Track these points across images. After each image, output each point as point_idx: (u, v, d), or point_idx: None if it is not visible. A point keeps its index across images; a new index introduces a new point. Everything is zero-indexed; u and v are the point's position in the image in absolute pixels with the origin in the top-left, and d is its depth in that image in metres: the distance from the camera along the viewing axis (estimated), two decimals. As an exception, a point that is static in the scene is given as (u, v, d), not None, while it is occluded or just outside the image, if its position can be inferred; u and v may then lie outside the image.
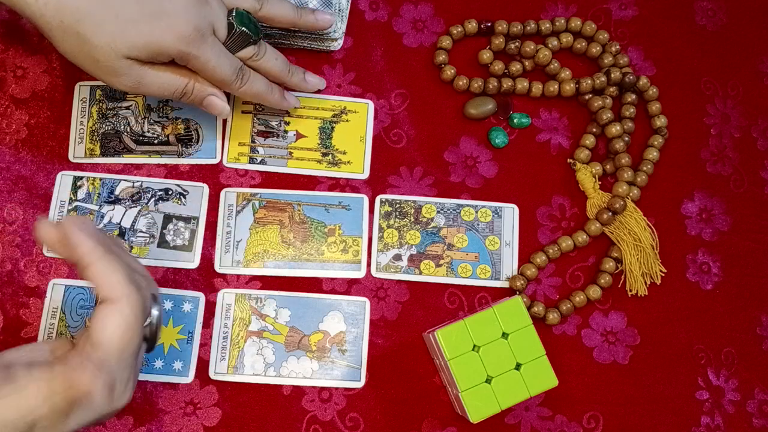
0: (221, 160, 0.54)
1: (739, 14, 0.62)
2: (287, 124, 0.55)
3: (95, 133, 0.54)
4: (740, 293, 0.56)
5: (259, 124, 0.55)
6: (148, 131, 0.54)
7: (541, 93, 0.57)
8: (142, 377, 0.49)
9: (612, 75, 0.56)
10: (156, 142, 0.54)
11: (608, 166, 0.56)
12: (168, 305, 0.51)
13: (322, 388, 0.51)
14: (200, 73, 0.46)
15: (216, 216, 0.53)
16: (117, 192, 0.53)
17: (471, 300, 0.53)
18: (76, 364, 0.35)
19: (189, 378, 0.50)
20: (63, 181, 0.52)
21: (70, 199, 0.52)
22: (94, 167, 0.53)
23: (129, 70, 0.44)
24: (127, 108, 0.54)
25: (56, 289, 0.50)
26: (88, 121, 0.54)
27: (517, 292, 0.53)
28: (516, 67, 0.57)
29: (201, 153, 0.54)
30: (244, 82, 0.48)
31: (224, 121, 0.55)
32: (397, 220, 0.54)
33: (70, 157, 0.53)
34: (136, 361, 0.38)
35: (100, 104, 0.54)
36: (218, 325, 0.51)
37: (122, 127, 0.54)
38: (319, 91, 0.56)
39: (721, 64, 0.60)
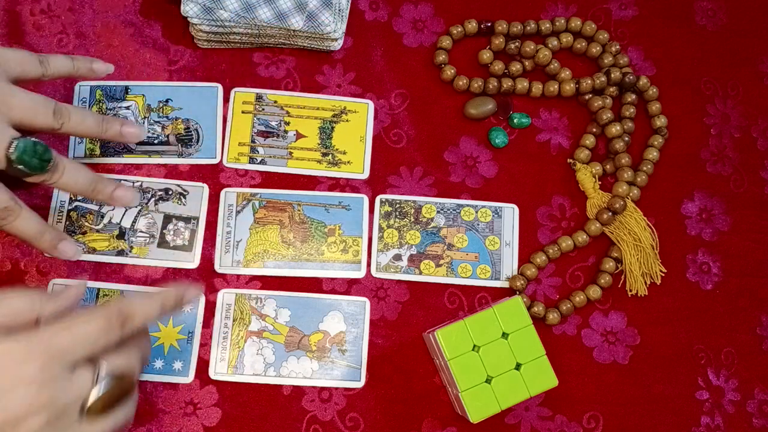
0: (221, 160, 0.54)
1: (739, 14, 0.62)
2: (287, 124, 0.55)
3: (95, 133, 0.54)
4: (740, 293, 0.56)
5: (259, 124, 0.55)
6: (148, 131, 0.54)
7: (541, 93, 0.57)
8: (143, 378, 0.49)
9: (612, 75, 0.56)
10: (156, 142, 0.54)
11: (608, 166, 0.56)
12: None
13: (322, 388, 0.51)
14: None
15: (216, 216, 0.53)
16: (117, 192, 0.53)
17: (471, 300, 0.53)
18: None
19: (189, 378, 0.50)
20: (63, 181, 0.52)
21: (71, 199, 0.52)
22: (94, 167, 0.53)
23: None
24: (127, 108, 0.54)
25: (56, 290, 0.50)
26: (88, 121, 0.54)
27: (517, 292, 0.53)
28: (516, 67, 0.57)
29: (201, 153, 0.54)
30: (8, 222, 0.44)
31: (224, 121, 0.55)
32: (397, 220, 0.54)
33: (70, 157, 0.53)
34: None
35: (100, 104, 0.54)
36: (218, 325, 0.51)
37: None
38: (319, 91, 0.56)
39: (721, 64, 0.60)
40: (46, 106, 0.44)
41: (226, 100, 0.55)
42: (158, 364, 0.50)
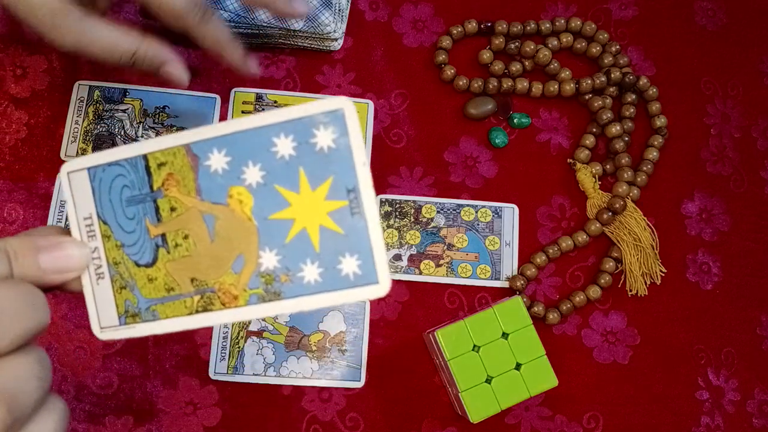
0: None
1: (739, 14, 0.62)
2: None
3: (89, 134, 0.53)
4: (740, 293, 0.56)
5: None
6: (142, 137, 0.54)
7: (541, 93, 0.57)
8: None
9: (612, 75, 0.56)
10: None
11: (608, 166, 0.56)
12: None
13: (322, 388, 0.51)
14: (151, 8, 0.40)
15: (216, 216, 0.53)
16: (117, 192, 0.53)
17: (471, 300, 0.53)
18: None
19: None
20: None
21: (70, 199, 0.52)
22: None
23: (69, 21, 0.39)
24: (124, 111, 0.54)
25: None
26: (83, 121, 0.54)
27: (517, 292, 0.53)
28: (516, 67, 0.57)
29: None
30: (206, 20, 0.42)
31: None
32: (397, 220, 0.54)
33: (62, 155, 0.53)
34: None
35: (97, 105, 0.54)
36: (218, 325, 0.51)
37: (116, 130, 0.54)
38: (319, 91, 0.56)
39: (721, 64, 0.60)
40: None
41: (223, 112, 0.55)
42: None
